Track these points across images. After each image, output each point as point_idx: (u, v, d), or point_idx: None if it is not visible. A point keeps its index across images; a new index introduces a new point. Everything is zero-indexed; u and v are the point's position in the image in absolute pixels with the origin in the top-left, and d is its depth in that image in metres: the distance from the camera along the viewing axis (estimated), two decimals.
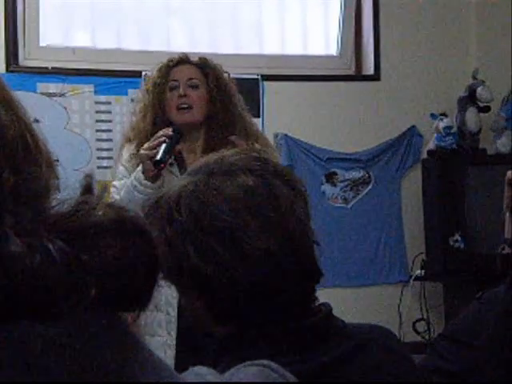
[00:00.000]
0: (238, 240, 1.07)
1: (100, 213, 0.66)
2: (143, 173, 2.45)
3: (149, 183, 2.44)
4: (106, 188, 2.41)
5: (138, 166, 2.53)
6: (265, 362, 0.76)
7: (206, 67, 2.62)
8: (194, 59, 2.66)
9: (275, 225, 1.09)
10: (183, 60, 2.64)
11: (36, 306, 0.61)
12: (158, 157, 2.43)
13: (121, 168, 2.63)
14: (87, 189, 0.69)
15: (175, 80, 2.59)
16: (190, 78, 2.59)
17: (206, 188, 1.10)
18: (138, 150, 2.56)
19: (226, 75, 2.66)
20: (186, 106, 2.56)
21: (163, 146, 2.45)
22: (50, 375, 0.61)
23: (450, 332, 1.58)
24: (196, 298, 1.12)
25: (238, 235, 1.07)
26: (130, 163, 2.60)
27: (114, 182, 2.61)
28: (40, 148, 0.71)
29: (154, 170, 2.43)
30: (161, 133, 2.48)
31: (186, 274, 1.10)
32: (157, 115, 2.59)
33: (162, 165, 2.44)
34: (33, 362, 0.61)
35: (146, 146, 2.48)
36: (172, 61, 2.63)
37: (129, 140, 2.67)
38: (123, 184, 2.55)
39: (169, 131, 2.49)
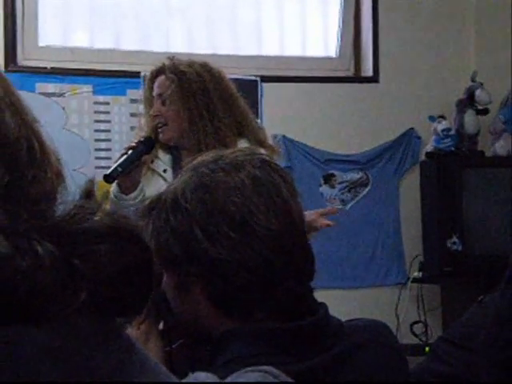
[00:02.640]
0: (248, 221, 1.09)
1: (96, 218, 0.66)
2: (118, 185, 2.45)
3: (123, 195, 2.43)
4: (107, 194, 2.41)
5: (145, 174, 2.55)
6: (266, 368, 0.76)
7: (175, 77, 2.52)
8: (169, 66, 2.55)
9: (280, 208, 1.12)
10: (159, 71, 2.57)
11: (25, 309, 0.60)
12: (108, 171, 2.39)
13: None
14: (88, 194, 0.69)
15: (153, 96, 2.57)
16: (160, 94, 2.54)
17: (212, 178, 1.12)
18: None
19: (204, 75, 2.53)
20: (160, 125, 2.53)
21: (121, 159, 2.42)
22: (41, 380, 0.61)
23: (450, 335, 1.59)
24: (199, 290, 1.12)
25: (248, 217, 1.09)
26: None
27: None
28: (48, 155, 0.71)
29: (118, 183, 2.41)
30: (127, 145, 2.49)
31: (194, 260, 1.10)
32: (150, 130, 2.57)
33: (111, 179, 2.38)
34: (24, 366, 0.60)
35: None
36: (153, 72, 2.58)
37: None
38: None
39: (133, 143, 2.47)
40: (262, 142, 2.56)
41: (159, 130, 2.53)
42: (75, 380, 0.62)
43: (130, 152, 2.43)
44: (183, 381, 0.71)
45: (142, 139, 2.49)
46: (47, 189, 0.68)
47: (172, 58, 2.60)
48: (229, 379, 0.76)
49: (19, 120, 0.70)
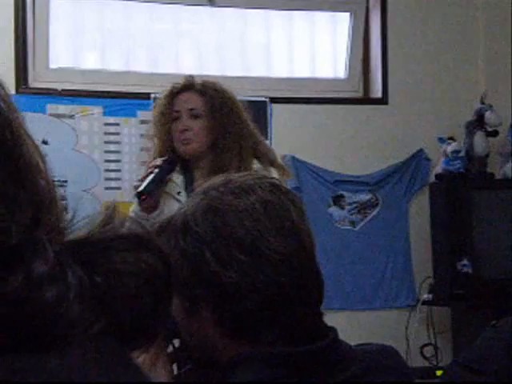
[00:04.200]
0: (259, 245, 1.09)
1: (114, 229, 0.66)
2: (139, 204, 2.46)
3: (145, 214, 2.43)
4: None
5: None
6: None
7: (207, 94, 2.57)
8: (198, 83, 2.62)
9: (290, 232, 1.12)
10: (186, 87, 2.60)
11: (43, 338, 0.60)
12: (140, 188, 2.42)
13: None
14: (109, 217, 0.68)
15: (177, 111, 2.57)
16: (191, 109, 2.56)
17: (222, 202, 1.12)
18: None
19: (231, 96, 2.61)
20: (187, 139, 2.55)
21: (150, 176, 2.44)
22: None
23: (464, 359, 1.57)
24: (209, 313, 1.11)
25: (258, 240, 1.09)
26: None
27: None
28: (41, 169, 0.71)
29: (140, 201, 2.42)
30: (152, 163, 2.49)
31: (204, 283, 1.10)
32: (164, 146, 2.59)
33: (144, 196, 2.41)
34: None
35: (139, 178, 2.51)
36: (176, 87, 2.60)
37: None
38: None
39: (158, 161, 2.49)
40: (272, 162, 2.57)
41: (184, 142, 2.54)
42: None
43: (156, 171, 2.45)
44: None
45: (166, 158, 2.50)
46: (49, 197, 0.68)
47: (191, 77, 2.64)
48: None
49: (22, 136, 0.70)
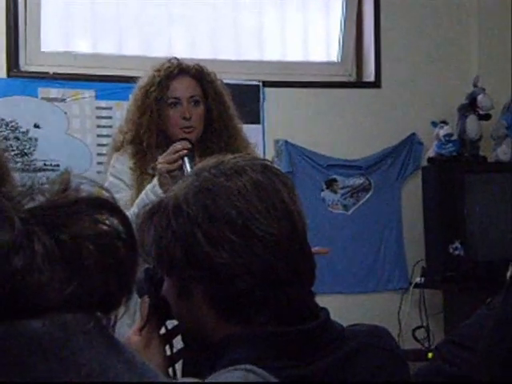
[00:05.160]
0: (250, 226, 1.09)
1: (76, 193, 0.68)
2: (161, 186, 2.36)
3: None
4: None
5: (141, 178, 2.49)
6: (248, 366, 0.76)
7: (203, 79, 2.54)
8: (191, 68, 2.56)
9: (281, 213, 1.12)
10: (182, 70, 2.55)
11: (16, 304, 0.61)
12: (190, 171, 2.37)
13: (115, 181, 2.55)
14: (66, 185, 0.69)
15: (176, 97, 2.52)
16: (192, 96, 2.52)
17: (213, 183, 1.12)
18: (134, 162, 2.52)
19: (218, 79, 2.58)
20: (191, 126, 2.51)
21: (187, 160, 2.37)
22: (32, 375, 0.62)
23: (455, 336, 1.59)
24: (201, 294, 1.12)
25: (250, 221, 1.09)
26: (127, 175, 2.53)
27: (116, 195, 2.56)
28: None
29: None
30: (179, 146, 2.40)
31: (196, 264, 1.10)
32: (159, 132, 2.53)
33: None
34: (14, 358, 0.61)
35: (162, 159, 2.39)
36: (172, 72, 2.54)
37: (118, 149, 2.60)
38: (127, 196, 2.48)
39: (187, 145, 2.41)
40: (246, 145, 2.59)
41: (187, 130, 2.50)
42: (65, 376, 0.62)
43: (189, 154, 2.38)
44: None
45: (189, 142, 2.43)
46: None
47: (177, 59, 2.58)
48: (210, 378, 0.76)
49: None
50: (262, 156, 2.71)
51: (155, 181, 2.40)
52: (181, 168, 2.38)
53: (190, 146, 2.41)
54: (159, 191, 2.35)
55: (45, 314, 0.62)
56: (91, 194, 0.68)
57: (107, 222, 0.67)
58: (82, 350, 0.64)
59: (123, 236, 0.68)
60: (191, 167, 2.33)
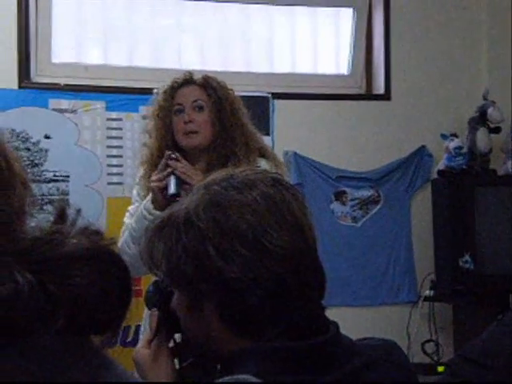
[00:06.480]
0: (261, 239, 1.09)
1: (74, 241, 0.67)
2: (153, 202, 2.43)
3: (158, 213, 2.42)
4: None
5: (147, 189, 2.52)
6: (245, 376, 0.76)
7: (208, 87, 2.57)
8: (199, 77, 2.61)
9: (292, 226, 1.12)
10: (187, 81, 2.59)
11: (3, 334, 0.62)
12: (172, 191, 2.40)
13: (134, 191, 2.64)
14: (60, 216, 0.69)
15: (180, 104, 2.55)
16: (195, 101, 2.55)
17: (224, 196, 1.12)
18: (146, 173, 2.56)
19: (230, 92, 2.60)
20: (192, 131, 2.53)
21: (172, 178, 2.42)
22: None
23: (468, 352, 1.57)
24: (212, 309, 1.11)
25: (261, 235, 1.09)
26: (139, 186, 2.61)
27: (129, 207, 2.62)
28: (13, 167, 0.72)
29: (168, 202, 2.39)
30: (163, 161, 2.45)
31: (207, 279, 1.10)
32: (164, 139, 2.56)
33: (178, 198, 2.38)
34: None
35: (154, 177, 2.45)
36: (177, 82, 2.58)
37: (143, 163, 2.66)
38: (134, 208, 2.56)
39: (169, 155, 2.45)
40: (269, 157, 2.59)
41: (189, 135, 2.52)
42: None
43: (173, 176, 2.43)
44: None
45: (171, 157, 2.46)
46: (16, 205, 0.69)
47: (190, 72, 2.62)
48: None
49: None
50: (284, 164, 2.72)
51: (149, 196, 2.47)
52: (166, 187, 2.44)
53: (173, 155, 2.44)
54: (151, 207, 2.43)
55: (34, 341, 0.63)
56: (91, 243, 0.68)
57: (99, 270, 0.67)
58: (70, 371, 0.65)
59: (115, 282, 0.68)
60: (176, 184, 2.41)
